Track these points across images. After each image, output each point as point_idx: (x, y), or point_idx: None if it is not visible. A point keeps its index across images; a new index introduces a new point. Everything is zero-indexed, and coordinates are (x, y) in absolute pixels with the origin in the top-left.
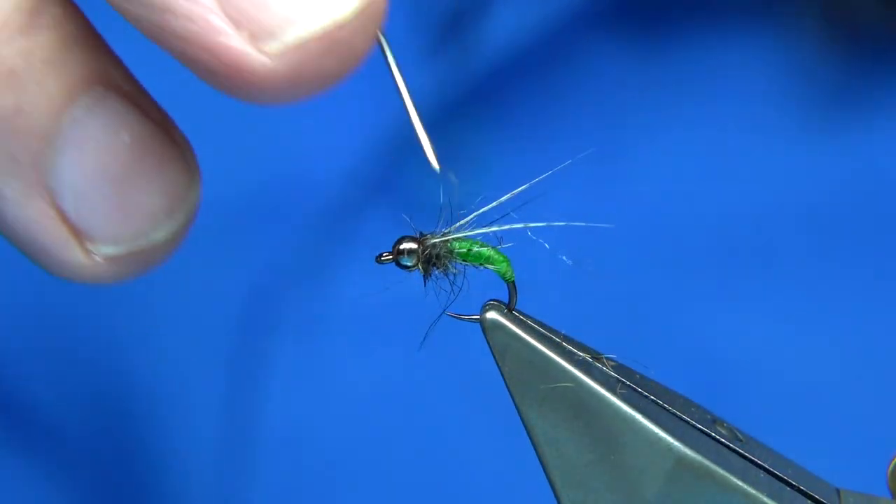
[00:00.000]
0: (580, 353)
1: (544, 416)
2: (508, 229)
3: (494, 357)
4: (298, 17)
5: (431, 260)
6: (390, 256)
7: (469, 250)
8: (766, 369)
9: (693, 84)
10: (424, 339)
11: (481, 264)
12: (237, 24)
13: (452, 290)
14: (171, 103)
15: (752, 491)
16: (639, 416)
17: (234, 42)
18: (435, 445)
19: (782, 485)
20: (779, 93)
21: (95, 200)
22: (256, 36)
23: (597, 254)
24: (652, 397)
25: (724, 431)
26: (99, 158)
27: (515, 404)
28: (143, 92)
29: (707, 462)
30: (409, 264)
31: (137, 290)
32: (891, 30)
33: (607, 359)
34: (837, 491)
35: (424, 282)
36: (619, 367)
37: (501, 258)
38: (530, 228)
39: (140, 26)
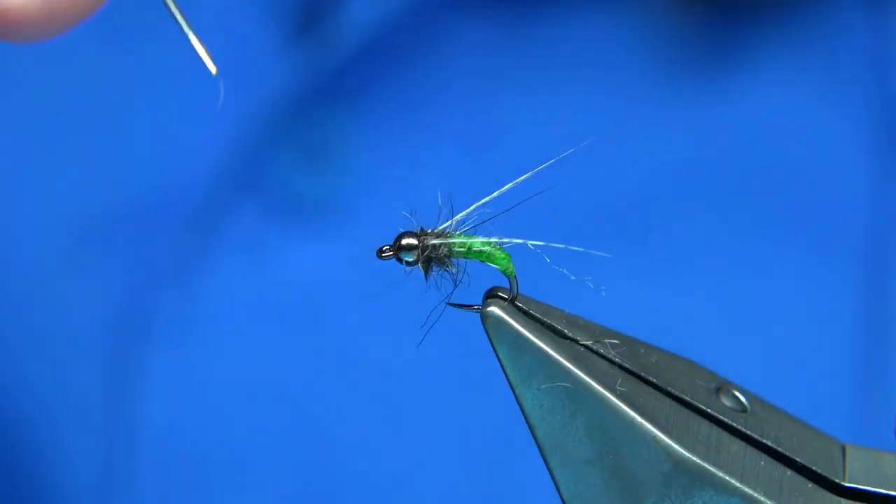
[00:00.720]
0: (583, 341)
1: (544, 413)
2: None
3: (494, 351)
4: None
5: (432, 256)
6: (391, 252)
7: (469, 248)
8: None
9: (558, 51)
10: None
11: (482, 260)
12: None
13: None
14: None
15: (751, 492)
16: (637, 417)
17: None
18: (321, 444)
19: (783, 470)
20: (643, 56)
21: None
22: None
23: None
24: (653, 380)
25: (727, 403)
26: None
27: (516, 396)
28: None
29: (705, 464)
30: (410, 260)
31: (9, 297)
32: None
33: (610, 343)
34: (843, 448)
35: (426, 277)
36: (623, 343)
37: (502, 254)
38: (527, 243)
39: None
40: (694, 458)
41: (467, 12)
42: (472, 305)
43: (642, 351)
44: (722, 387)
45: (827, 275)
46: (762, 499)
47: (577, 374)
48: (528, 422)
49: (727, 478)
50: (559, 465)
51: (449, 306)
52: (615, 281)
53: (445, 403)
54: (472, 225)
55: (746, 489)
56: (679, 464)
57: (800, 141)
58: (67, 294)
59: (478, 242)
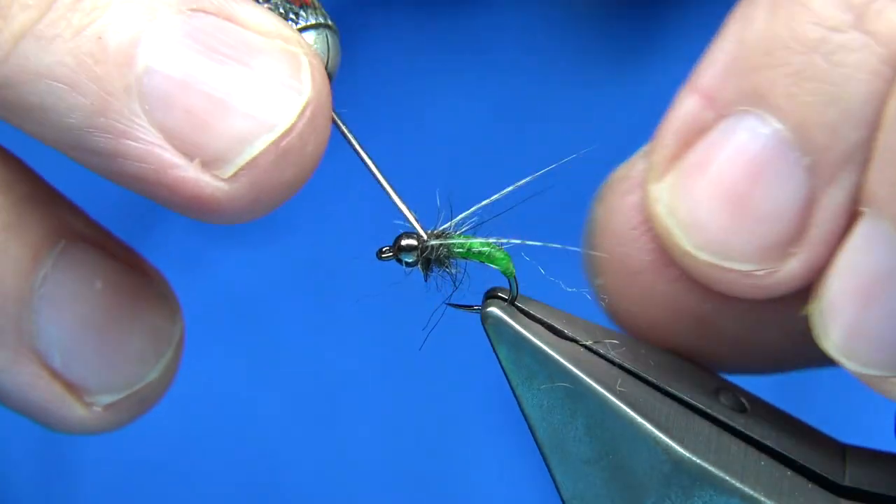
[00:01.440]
0: (583, 342)
1: (544, 413)
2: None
3: (494, 351)
4: (245, 136)
5: (432, 257)
6: (391, 253)
7: (469, 249)
8: None
9: (478, 40)
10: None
11: (481, 261)
12: (187, 154)
13: (454, 284)
14: None
15: (751, 492)
16: (637, 417)
17: (188, 173)
18: (259, 452)
19: (784, 470)
20: (559, 42)
21: (83, 353)
22: (208, 163)
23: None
24: (653, 380)
25: (727, 403)
26: (77, 311)
27: (516, 397)
28: (107, 235)
29: (705, 465)
30: (409, 261)
31: None
32: None
33: (610, 343)
34: (844, 449)
35: (425, 278)
36: (623, 343)
37: (502, 255)
38: (526, 245)
39: (98, 172)
40: (694, 459)
41: (387, 13)
42: (472, 306)
43: (643, 352)
44: (722, 388)
45: None
46: (762, 499)
47: (576, 374)
48: (528, 422)
49: (727, 478)
50: (559, 465)
51: (448, 306)
52: None
53: (385, 406)
54: (470, 226)
55: (746, 489)
56: (679, 464)
57: None
58: None
59: (477, 243)
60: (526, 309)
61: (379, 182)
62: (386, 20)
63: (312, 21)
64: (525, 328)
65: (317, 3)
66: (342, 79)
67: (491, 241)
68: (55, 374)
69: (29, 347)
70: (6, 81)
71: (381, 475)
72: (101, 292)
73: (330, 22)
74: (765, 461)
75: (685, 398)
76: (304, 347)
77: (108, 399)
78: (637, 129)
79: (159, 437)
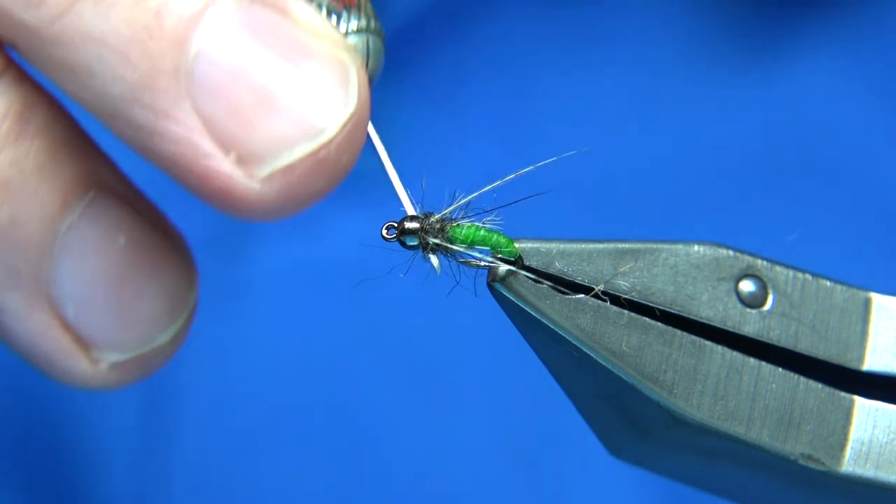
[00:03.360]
0: (592, 293)
1: (556, 362)
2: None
3: (505, 312)
4: (286, 140)
5: (435, 241)
6: (394, 236)
7: (475, 232)
8: None
9: (602, 26)
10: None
11: (485, 247)
12: (224, 146)
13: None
14: None
15: (755, 441)
16: (641, 382)
17: (221, 166)
18: (361, 415)
19: (797, 381)
20: (687, 35)
21: (97, 308)
22: (244, 160)
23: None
24: (666, 307)
25: (747, 295)
26: (96, 264)
27: (529, 345)
28: (135, 191)
29: (709, 422)
30: (412, 244)
31: None
32: None
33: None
34: (867, 299)
35: (429, 261)
36: (638, 262)
37: (506, 240)
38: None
39: (130, 145)
40: (697, 417)
41: None
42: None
43: (661, 259)
44: (745, 273)
45: (868, 267)
46: (766, 444)
47: (581, 343)
48: (544, 363)
49: (731, 430)
50: (572, 393)
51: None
52: None
53: (485, 378)
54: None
55: (751, 438)
56: (682, 421)
57: (844, 130)
58: None
59: (482, 231)
60: (534, 265)
61: (390, 178)
62: (502, 9)
63: (355, 24)
64: (530, 298)
65: (362, 3)
66: (460, 55)
67: (485, 222)
68: (66, 326)
69: (44, 294)
70: (57, 39)
71: (490, 458)
72: (124, 248)
73: (373, 25)
74: (777, 380)
75: (700, 319)
76: (409, 312)
77: (115, 357)
78: (743, 136)
79: (268, 395)
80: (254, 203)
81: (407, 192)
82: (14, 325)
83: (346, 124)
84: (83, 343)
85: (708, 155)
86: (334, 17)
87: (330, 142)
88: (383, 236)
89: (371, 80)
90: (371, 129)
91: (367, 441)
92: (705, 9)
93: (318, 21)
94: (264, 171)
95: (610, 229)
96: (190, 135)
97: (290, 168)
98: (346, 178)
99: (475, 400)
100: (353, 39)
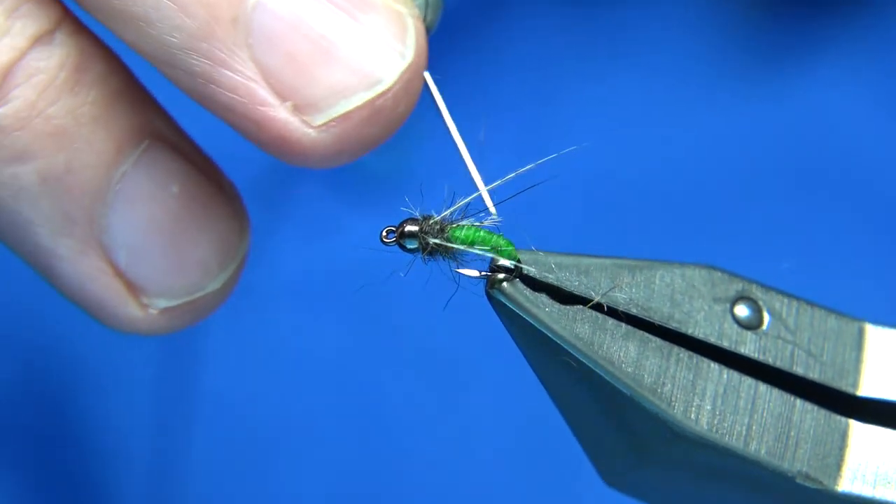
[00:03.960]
0: (592, 303)
1: (553, 375)
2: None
3: (502, 322)
4: (344, 90)
5: (434, 244)
6: (393, 239)
7: (474, 234)
8: None
9: (625, 38)
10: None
11: (485, 250)
12: (281, 95)
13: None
14: None
15: (753, 455)
16: (641, 395)
17: (278, 113)
18: (375, 417)
19: (793, 402)
20: (708, 47)
21: (148, 254)
22: (300, 108)
23: (533, 202)
24: (664, 323)
25: (743, 318)
26: (149, 212)
27: (526, 360)
28: (188, 141)
29: (708, 436)
30: (412, 247)
31: None
32: None
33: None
34: (860, 329)
35: (426, 262)
36: (636, 277)
37: (505, 241)
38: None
39: (186, 92)
40: (696, 430)
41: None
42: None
43: (657, 277)
44: (741, 295)
45: (882, 276)
46: (764, 460)
47: (578, 352)
48: (538, 377)
49: (730, 444)
50: (568, 412)
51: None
52: None
53: (498, 379)
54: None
55: (749, 453)
56: (680, 434)
57: (863, 142)
58: None
59: (482, 233)
60: (532, 273)
61: (458, 148)
62: (521, 17)
63: None
64: (529, 307)
65: None
66: (486, 60)
67: (484, 224)
68: (117, 271)
69: (97, 240)
70: None
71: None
72: (176, 197)
73: None
74: (774, 398)
75: (697, 337)
76: (422, 315)
77: (164, 303)
78: (774, 147)
79: (280, 394)
80: (309, 150)
81: (467, 147)
82: (67, 270)
83: (403, 74)
84: (134, 289)
85: (720, 166)
86: None
87: (387, 91)
88: (383, 240)
89: (429, 32)
90: (429, 79)
91: (381, 442)
92: (721, 22)
93: None
94: (321, 119)
95: (617, 238)
96: (247, 83)
97: (346, 116)
98: (400, 128)
99: (489, 403)
100: None
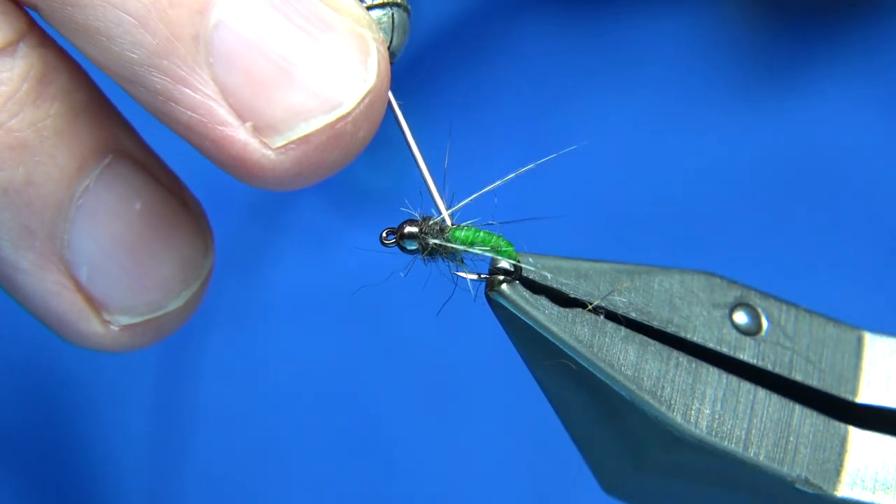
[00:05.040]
0: (590, 307)
1: (552, 379)
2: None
3: (501, 325)
4: (303, 112)
5: (434, 245)
6: (393, 240)
7: (474, 235)
8: None
9: (627, 53)
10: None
11: (484, 250)
12: (241, 115)
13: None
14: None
15: (753, 459)
16: (641, 398)
17: (237, 134)
18: (374, 433)
19: (792, 408)
20: (710, 62)
21: (110, 270)
22: (260, 129)
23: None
24: (663, 328)
25: (741, 324)
26: (112, 228)
27: (526, 364)
28: (153, 157)
29: (708, 439)
30: (412, 248)
31: None
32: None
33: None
34: (859, 337)
35: (426, 263)
36: (635, 282)
37: (505, 242)
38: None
39: (148, 109)
40: (695, 434)
41: (536, 12)
42: (479, 275)
43: (656, 282)
44: (740, 302)
45: (883, 293)
46: (763, 464)
47: (578, 355)
48: (538, 383)
49: (729, 449)
50: (567, 415)
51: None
52: None
53: (500, 394)
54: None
55: (748, 457)
56: (680, 438)
57: (862, 158)
58: None
59: (481, 234)
60: (531, 277)
61: (419, 169)
62: (536, 16)
63: None
64: (528, 308)
65: None
66: (484, 76)
67: (482, 226)
68: (79, 287)
69: (58, 256)
70: (77, 1)
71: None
72: (139, 213)
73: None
74: (773, 403)
75: (696, 341)
76: (423, 330)
77: (126, 321)
78: (773, 163)
79: (281, 410)
80: (268, 171)
81: (430, 173)
82: (28, 284)
83: (364, 98)
84: (95, 305)
85: (722, 181)
86: None
87: (347, 115)
88: (382, 241)
89: (394, 56)
90: (393, 102)
91: (381, 455)
92: (724, 37)
93: None
94: (279, 140)
95: (618, 249)
96: (207, 102)
97: (305, 139)
98: (361, 152)
99: (487, 411)
100: (376, 13)
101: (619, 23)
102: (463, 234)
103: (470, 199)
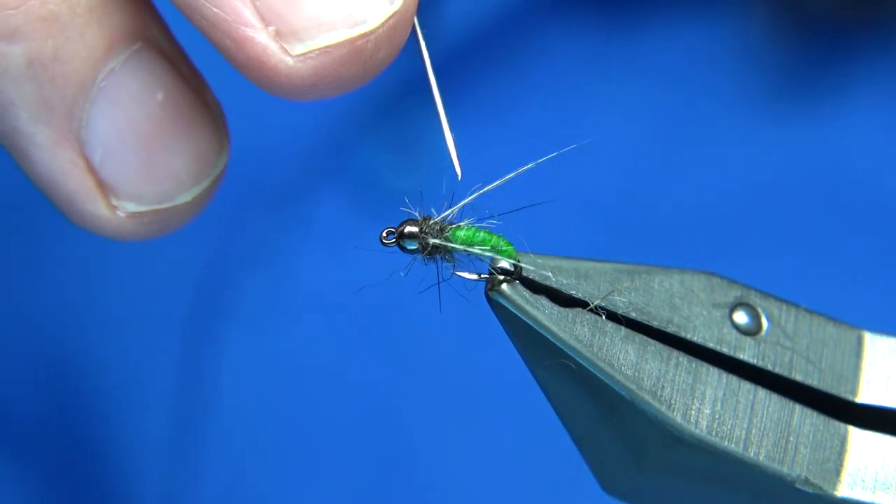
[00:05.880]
0: (590, 307)
1: (552, 379)
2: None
3: (501, 325)
4: (327, 23)
5: (434, 244)
6: (393, 240)
7: (474, 234)
8: None
9: (649, 67)
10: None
11: (485, 250)
12: (265, 19)
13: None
14: None
15: (753, 459)
16: (640, 398)
17: (259, 36)
18: (391, 430)
19: (792, 408)
20: (731, 77)
21: (124, 156)
22: (282, 35)
23: (553, 235)
24: (663, 327)
25: (741, 324)
26: (131, 114)
27: (526, 364)
28: (180, 52)
29: (708, 439)
30: (412, 248)
31: (90, 270)
32: (837, 12)
33: (620, 290)
34: (859, 337)
35: (426, 263)
36: (635, 282)
37: (505, 242)
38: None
39: (173, 1)
40: (695, 433)
41: (563, 20)
42: (478, 274)
43: (656, 282)
44: (740, 302)
45: (883, 293)
46: (763, 464)
47: (578, 355)
48: (538, 382)
49: (729, 448)
50: (567, 415)
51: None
52: None
53: (500, 394)
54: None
55: (748, 457)
56: (680, 437)
57: (862, 158)
58: (147, 273)
59: (481, 234)
60: (531, 276)
61: (438, 116)
62: (563, 24)
63: None
64: (528, 308)
65: None
66: (510, 81)
67: (483, 226)
68: (91, 168)
69: (74, 134)
70: None
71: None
72: (160, 103)
73: None
74: (774, 403)
75: (696, 341)
76: (442, 330)
77: (133, 207)
78: (798, 176)
79: (300, 407)
80: (283, 77)
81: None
82: (41, 158)
83: (388, 19)
84: (105, 188)
85: (722, 182)
86: None
87: (370, 33)
88: (382, 241)
89: None
90: (419, 31)
91: (397, 451)
92: (750, 49)
93: None
94: (300, 48)
95: (618, 249)
96: (233, 1)
97: (325, 51)
98: (378, 74)
99: (491, 413)
100: None
101: (643, 32)
102: (463, 233)
103: (469, 198)
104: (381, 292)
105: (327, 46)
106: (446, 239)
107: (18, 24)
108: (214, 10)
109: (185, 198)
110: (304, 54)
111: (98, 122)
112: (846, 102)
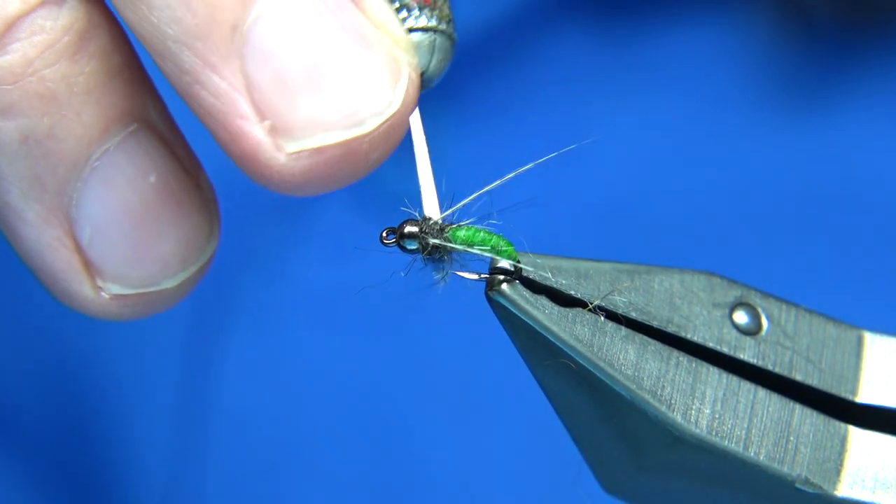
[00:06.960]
0: (590, 306)
1: (552, 378)
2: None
3: (501, 325)
4: (323, 123)
5: (434, 244)
6: (393, 240)
7: (474, 234)
8: None
9: (654, 70)
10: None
11: (484, 250)
12: (261, 113)
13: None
14: None
15: (753, 458)
16: (641, 397)
17: (253, 130)
18: (392, 430)
19: (793, 408)
20: (736, 80)
21: (112, 237)
22: (277, 131)
23: (553, 235)
24: (663, 327)
25: (741, 323)
26: (123, 195)
27: (526, 364)
28: (177, 133)
29: (708, 438)
30: (412, 248)
31: None
32: (843, 16)
33: (621, 290)
34: (859, 337)
35: (426, 264)
36: (635, 282)
37: (505, 242)
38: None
39: (173, 86)
40: (696, 433)
41: (565, 20)
42: (479, 274)
43: (656, 282)
44: (740, 302)
45: (883, 293)
46: (764, 464)
47: (578, 355)
48: (538, 383)
49: (729, 448)
50: (567, 415)
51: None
52: None
53: (500, 394)
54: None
55: (748, 457)
56: (681, 437)
57: (861, 159)
58: None
59: (481, 234)
60: (531, 276)
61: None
62: (568, 27)
63: (424, 21)
64: (528, 308)
65: (439, 3)
66: (512, 83)
67: (483, 226)
68: (78, 248)
69: (64, 212)
70: None
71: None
72: (153, 186)
73: (444, 26)
74: (774, 403)
75: (696, 340)
76: (444, 333)
77: (117, 290)
78: (803, 179)
79: (300, 410)
80: (275, 174)
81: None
82: (29, 234)
83: (385, 122)
84: (91, 268)
85: (723, 183)
86: (405, 11)
87: (365, 135)
88: (382, 241)
89: (430, 82)
90: (418, 128)
91: (398, 453)
92: (753, 51)
93: (384, 13)
94: (294, 146)
95: (619, 249)
96: (231, 92)
97: (319, 150)
98: (369, 174)
99: (490, 413)
100: (417, 36)
101: (645, 33)
102: (463, 233)
103: (468, 199)
104: (382, 293)
105: (321, 147)
106: (446, 239)
107: (14, 100)
108: (212, 99)
109: (170, 283)
110: (297, 153)
111: (89, 201)
112: (850, 104)
